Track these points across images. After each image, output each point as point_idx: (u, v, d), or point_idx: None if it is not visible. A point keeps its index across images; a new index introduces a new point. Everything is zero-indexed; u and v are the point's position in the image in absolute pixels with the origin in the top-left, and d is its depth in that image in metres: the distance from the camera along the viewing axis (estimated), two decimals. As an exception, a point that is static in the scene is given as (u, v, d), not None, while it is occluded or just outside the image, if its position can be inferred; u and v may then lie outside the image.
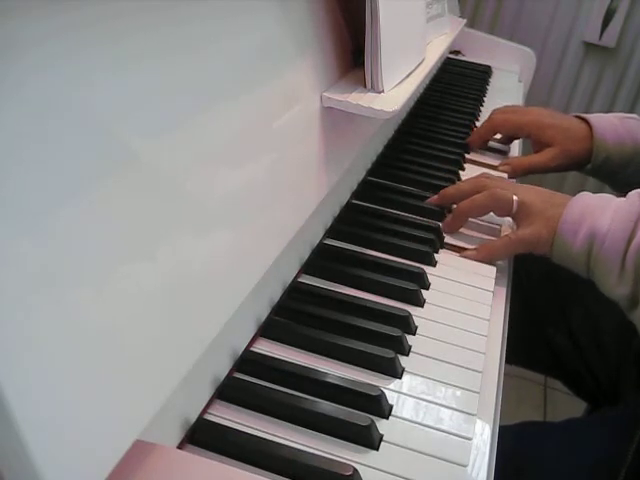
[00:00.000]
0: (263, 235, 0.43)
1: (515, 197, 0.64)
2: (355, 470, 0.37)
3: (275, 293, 0.51)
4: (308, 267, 0.57)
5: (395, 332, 0.49)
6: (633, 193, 0.61)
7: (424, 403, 0.44)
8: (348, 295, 0.54)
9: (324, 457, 0.38)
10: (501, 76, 1.35)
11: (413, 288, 0.55)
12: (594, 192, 0.63)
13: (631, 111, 1.83)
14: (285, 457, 0.37)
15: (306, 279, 0.55)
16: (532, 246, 0.62)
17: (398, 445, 0.41)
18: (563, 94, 1.87)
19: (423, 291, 0.57)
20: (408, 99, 0.60)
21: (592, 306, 0.83)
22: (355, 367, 0.47)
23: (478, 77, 1.30)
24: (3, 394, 0.22)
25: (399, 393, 0.45)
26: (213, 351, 0.37)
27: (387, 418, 0.43)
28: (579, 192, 0.64)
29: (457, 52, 1.44)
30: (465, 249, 0.65)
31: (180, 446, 0.37)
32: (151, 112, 0.33)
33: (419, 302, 0.55)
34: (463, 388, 0.46)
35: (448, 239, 0.67)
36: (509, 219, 0.68)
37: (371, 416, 0.41)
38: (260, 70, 0.45)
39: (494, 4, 1.83)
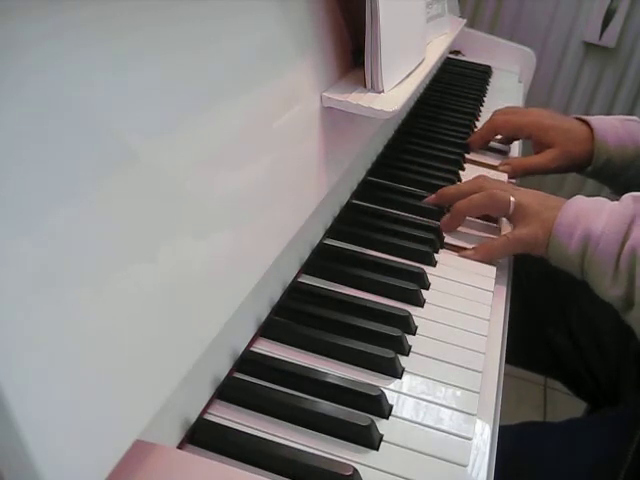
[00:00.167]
0: (263, 235, 0.43)
1: (512, 198, 0.64)
2: (355, 470, 0.37)
3: (275, 293, 0.51)
4: (308, 267, 0.57)
5: (395, 332, 0.49)
6: (627, 196, 0.61)
7: (424, 403, 0.44)
8: (348, 295, 0.54)
9: (324, 457, 0.38)
10: (501, 76, 1.35)
11: (413, 288, 0.55)
12: (593, 195, 0.64)
13: (631, 111, 1.83)
14: (285, 457, 0.37)
15: (306, 279, 0.55)
16: (529, 246, 0.63)
17: (398, 445, 0.41)
18: (563, 94, 1.87)
19: (423, 291, 0.57)
20: (408, 99, 0.60)
21: (592, 306, 0.83)
22: (355, 367, 0.47)
23: (478, 77, 1.30)
24: (3, 394, 0.22)
25: (399, 393, 0.45)
26: (213, 351, 0.37)
27: (387, 418, 0.43)
28: (577, 195, 0.64)
29: (457, 52, 1.44)
30: (465, 249, 0.65)
31: (180, 446, 0.37)
32: (151, 111, 0.33)
33: (419, 302, 0.55)
34: (463, 388, 0.46)
35: (448, 239, 0.67)
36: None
37: (371, 416, 0.41)
38: (260, 70, 0.45)
39: (494, 4, 1.83)
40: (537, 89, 1.72)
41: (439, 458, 0.40)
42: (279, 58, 0.48)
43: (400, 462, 0.40)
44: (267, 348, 0.47)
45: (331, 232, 0.63)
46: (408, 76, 0.65)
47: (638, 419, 0.62)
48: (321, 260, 0.58)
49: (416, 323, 0.52)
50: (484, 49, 1.43)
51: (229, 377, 0.43)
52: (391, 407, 0.44)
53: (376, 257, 0.60)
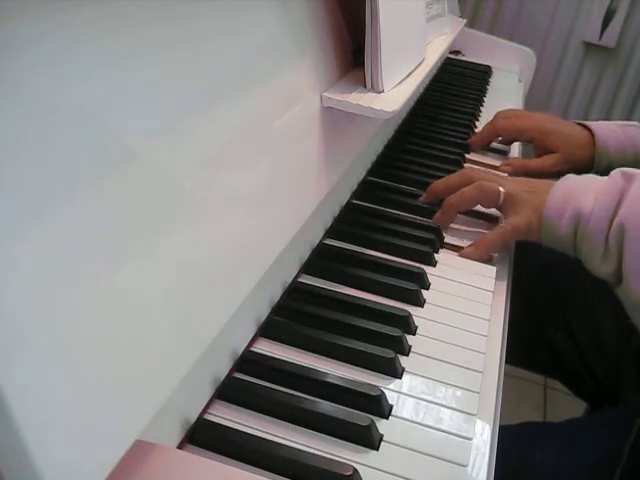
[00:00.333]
0: (263, 235, 0.43)
1: (501, 188, 0.65)
2: (355, 470, 0.37)
3: (275, 293, 0.51)
4: (308, 267, 0.57)
5: (395, 332, 0.49)
6: (615, 172, 0.62)
7: (424, 403, 0.44)
8: (348, 295, 0.54)
9: (324, 457, 0.38)
10: (501, 76, 1.35)
11: (413, 288, 0.55)
12: None
13: (631, 111, 1.83)
14: (285, 457, 0.37)
15: (306, 279, 0.55)
16: (524, 233, 0.64)
17: (398, 445, 0.41)
18: (563, 94, 1.87)
19: (423, 291, 0.57)
20: (408, 99, 0.60)
21: (591, 306, 0.83)
22: (355, 367, 0.47)
23: (478, 77, 1.30)
24: (3, 394, 0.22)
25: (399, 393, 0.45)
26: (213, 351, 0.37)
27: (387, 418, 0.43)
28: None
29: (457, 52, 1.44)
30: (464, 248, 0.65)
31: (180, 446, 0.37)
32: (150, 110, 0.33)
33: (419, 302, 0.55)
34: (463, 388, 0.46)
35: (448, 239, 0.67)
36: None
37: (371, 416, 0.41)
38: (260, 70, 0.45)
39: (494, 4, 1.84)
40: (537, 89, 1.72)
41: (439, 458, 0.40)
42: (279, 58, 0.48)
43: (400, 462, 0.40)
44: (267, 348, 0.47)
45: (331, 232, 0.63)
46: (408, 76, 0.65)
47: (634, 419, 0.62)
48: (321, 260, 0.58)
49: (416, 323, 0.52)
50: (484, 49, 1.43)
51: (229, 377, 0.43)
52: (391, 407, 0.44)
53: (376, 257, 0.60)
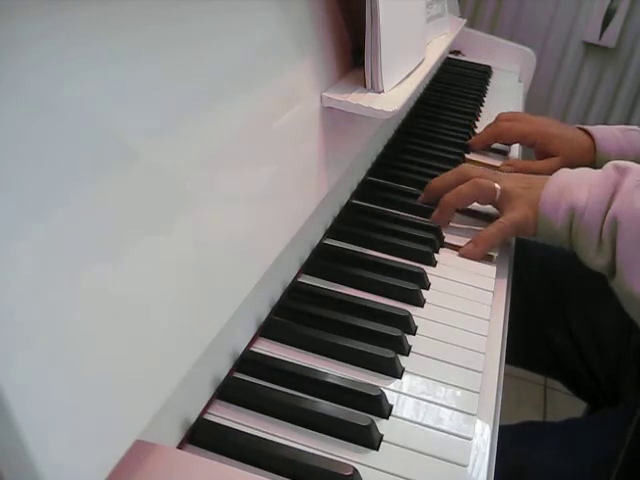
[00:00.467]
0: (263, 235, 0.43)
1: (497, 185, 0.66)
2: (355, 470, 0.37)
3: (275, 293, 0.51)
4: (308, 267, 0.57)
5: (395, 332, 0.49)
6: (609, 165, 0.63)
7: (424, 403, 0.44)
8: (348, 295, 0.54)
9: (324, 457, 0.38)
10: (501, 76, 1.35)
11: (413, 288, 0.55)
12: None
13: (631, 111, 1.83)
14: (285, 457, 0.37)
15: (306, 279, 0.55)
16: (522, 228, 0.65)
17: (398, 445, 0.41)
18: (563, 94, 1.87)
19: (423, 291, 0.57)
20: (408, 99, 0.60)
21: (591, 306, 0.83)
22: (355, 367, 0.47)
23: (478, 77, 1.30)
24: (3, 394, 0.22)
25: (399, 393, 0.45)
26: (213, 351, 0.37)
27: (387, 418, 0.43)
28: None
29: (457, 52, 1.44)
30: (463, 247, 0.65)
31: (180, 446, 0.37)
32: (150, 110, 0.33)
33: (419, 302, 0.55)
34: (463, 388, 0.46)
35: (448, 238, 0.67)
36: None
37: (371, 416, 0.41)
38: (260, 70, 0.45)
39: (494, 4, 1.83)
40: (537, 89, 1.72)
41: (439, 458, 0.40)
42: (279, 58, 0.48)
43: (400, 462, 0.40)
44: (267, 348, 0.47)
45: (331, 232, 0.63)
46: (408, 76, 0.65)
47: (632, 419, 0.62)
48: (321, 260, 0.58)
49: (416, 323, 0.52)
50: (484, 49, 1.43)
51: (229, 377, 0.43)
52: (391, 407, 0.44)
53: (376, 257, 0.60)
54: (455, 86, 1.20)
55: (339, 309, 0.51)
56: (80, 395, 0.25)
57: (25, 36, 0.26)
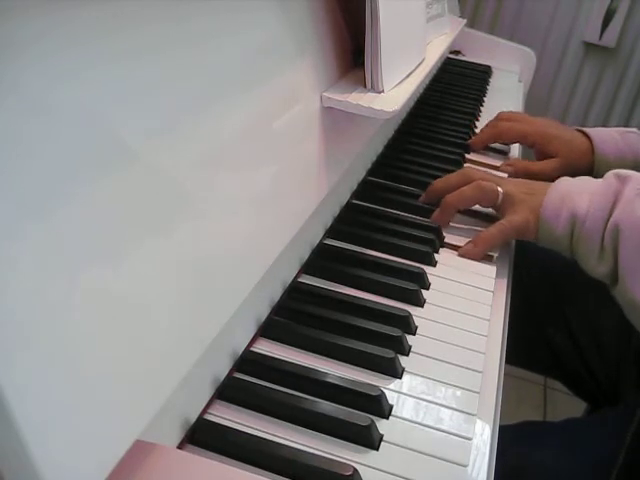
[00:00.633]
0: (263, 235, 0.43)
1: (500, 188, 0.66)
2: (355, 470, 0.37)
3: (275, 293, 0.51)
4: (308, 267, 0.57)
5: (395, 332, 0.49)
6: (610, 173, 0.63)
7: (424, 403, 0.44)
8: (348, 295, 0.54)
9: (324, 457, 0.38)
10: (501, 76, 1.35)
11: (413, 288, 0.55)
12: None
13: (631, 111, 1.83)
14: (285, 457, 0.37)
15: (306, 279, 0.55)
16: (522, 232, 0.65)
17: (398, 445, 0.41)
18: (563, 94, 1.87)
19: (423, 291, 0.57)
20: (408, 99, 0.60)
21: (591, 306, 0.83)
22: (355, 367, 0.47)
23: (478, 77, 1.30)
24: (3, 394, 0.22)
25: (399, 393, 0.45)
26: (213, 351, 0.37)
27: (387, 418, 0.43)
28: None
29: (457, 52, 1.44)
30: (463, 247, 0.65)
31: (180, 446, 0.37)
32: (150, 110, 0.33)
33: (419, 302, 0.55)
34: (463, 388, 0.46)
35: (448, 238, 0.67)
36: None
37: (371, 416, 0.41)
38: (260, 70, 0.45)
39: (494, 4, 1.84)
40: (537, 89, 1.72)
41: (439, 458, 0.40)
42: (279, 58, 0.48)
43: (400, 462, 0.40)
44: (267, 348, 0.47)
45: (331, 232, 0.63)
46: (408, 76, 0.65)
47: (633, 419, 0.62)
48: (321, 260, 0.58)
49: (416, 323, 0.52)
50: (484, 49, 1.43)
51: (229, 377, 0.43)
52: (391, 407, 0.44)
53: (376, 257, 0.60)
54: (455, 86, 1.20)
55: (339, 309, 0.51)
56: (80, 395, 0.25)
57: (25, 36, 0.26)
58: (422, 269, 0.59)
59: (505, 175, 0.83)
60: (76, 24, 0.29)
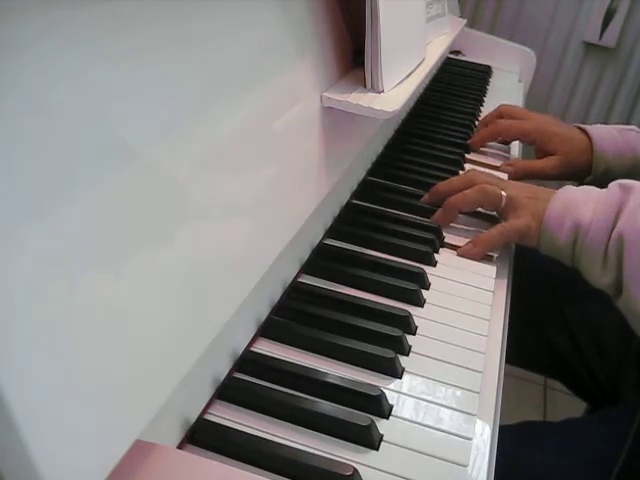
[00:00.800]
0: (263, 235, 0.43)
1: (503, 192, 0.66)
2: (355, 470, 0.37)
3: (275, 293, 0.51)
4: (308, 267, 0.57)
5: (395, 332, 0.49)
6: (614, 184, 0.63)
7: (424, 403, 0.44)
8: (348, 295, 0.54)
9: (324, 457, 0.38)
10: (501, 76, 1.35)
11: (413, 288, 0.55)
12: None
13: (631, 111, 1.83)
14: (285, 457, 0.37)
15: (306, 279, 0.55)
16: (523, 236, 0.64)
17: (398, 445, 0.41)
18: (563, 94, 1.87)
19: (423, 291, 0.57)
20: (408, 99, 0.60)
21: (592, 306, 0.83)
22: (355, 367, 0.47)
23: (478, 77, 1.30)
24: (3, 394, 0.22)
25: (399, 393, 0.45)
26: (213, 351, 0.37)
27: (387, 418, 0.43)
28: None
29: (457, 52, 1.44)
30: (462, 246, 0.65)
31: (180, 446, 0.37)
32: (150, 110, 0.33)
33: (419, 302, 0.55)
34: (463, 388, 0.46)
35: (448, 239, 0.67)
36: None
37: (371, 416, 0.41)
38: (260, 69, 0.45)
39: (494, 4, 1.84)
40: (537, 89, 1.72)
41: (439, 458, 0.40)
42: (279, 58, 0.48)
43: (400, 462, 0.40)
44: (267, 348, 0.47)
45: (331, 232, 0.63)
46: (408, 76, 0.65)
47: (634, 419, 0.62)
48: (321, 260, 0.58)
49: (416, 323, 0.52)
50: (484, 49, 1.43)
51: (229, 377, 0.43)
52: (391, 407, 0.44)
53: (376, 257, 0.60)
54: (455, 86, 1.20)
55: (339, 309, 0.51)
56: (80, 395, 0.25)
57: (25, 36, 0.26)
58: (422, 269, 0.59)
59: (505, 176, 0.83)
60: (76, 24, 0.29)
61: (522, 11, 1.81)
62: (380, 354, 0.47)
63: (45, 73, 0.26)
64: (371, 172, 0.78)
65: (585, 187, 0.65)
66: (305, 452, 0.38)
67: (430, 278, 0.59)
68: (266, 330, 0.48)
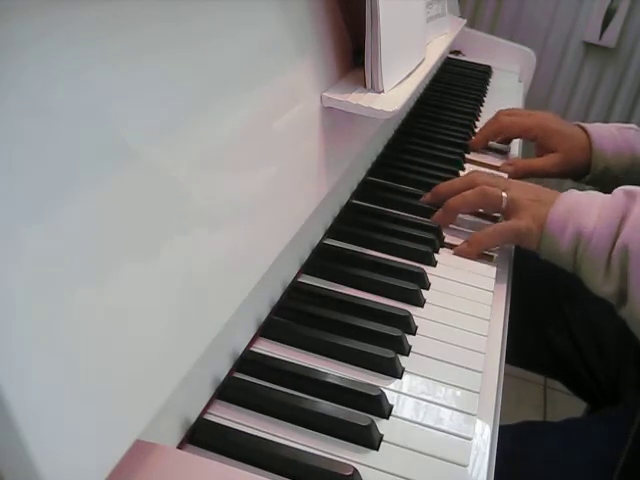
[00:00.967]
0: (263, 235, 0.43)
1: (504, 194, 0.65)
2: (355, 470, 0.37)
3: (275, 293, 0.51)
4: (308, 267, 0.57)
5: (395, 332, 0.49)
6: (618, 190, 0.62)
7: (424, 403, 0.44)
8: (348, 295, 0.54)
9: (324, 457, 0.38)
10: (501, 76, 1.35)
11: (413, 288, 0.55)
12: None
13: (631, 111, 1.83)
14: (285, 457, 0.37)
15: (306, 279, 0.55)
16: (522, 237, 0.63)
17: (398, 445, 0.41)
18: (563, 94, 1.87)
19: (423, 291, 0.57)
20: (408, 99, 0.60)
21: (592, 306, 0.83)
22: (355, 367, 0.47)
23: (478, 77, 1.30)
24: (3, 394, 0.22)
25: (399, 393, 0.45)
26: (213, 351, 0.37)
27: (387, 418, 0.43)
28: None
29: (457, 52, 1.44)
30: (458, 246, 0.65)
31: (180, 446, 0.37)
32: (150, 110, 0.33)
33: (419, 302, 0.55)
34: (463, 388, 0.46)
35: (448, 239, 0.67)
36: None
37: (371, 416, 0.41)
38: (260, 69, 0.45)
39: (494, 4, 1.83)
40: (537, 89, 1.72)
41: (439, 458, 0.40)
42: (279, 58, 0.48)
43: (400, 462, 0.40)
44: (267, 348, 0.47)
45: (331, 232, 0.63)
46: (408, 76, 0.65)
47: (634, 419, 0.62)
48: (321, 260, 0.58)
49: (416, 323, 0.52)
50: (484, 49, 1.43)
51: (229, 377, 0.43)
52: (391, 407, 0.44)
53: (376, 257, 0.60)
54: (455, 86, 1.20)
55: (339, 309, 0.51)
56: (80, 395, 0.25)
57: (25, 36, 0.26)
58: (422, 269, 0.59)
59: (506, 175, 0.83)
60: (76, 24, 0.29)
61: (522, 11, 1.81)
62: (380, 354, 0.47)
63: (45, 73, 0.26)
64: (371, 172, 0.78)
65: (590, 192, 0.64)
66: (305, 452, 0.38)
67: (430, 278, 0.59)
68: (266, 330, 0.48)
